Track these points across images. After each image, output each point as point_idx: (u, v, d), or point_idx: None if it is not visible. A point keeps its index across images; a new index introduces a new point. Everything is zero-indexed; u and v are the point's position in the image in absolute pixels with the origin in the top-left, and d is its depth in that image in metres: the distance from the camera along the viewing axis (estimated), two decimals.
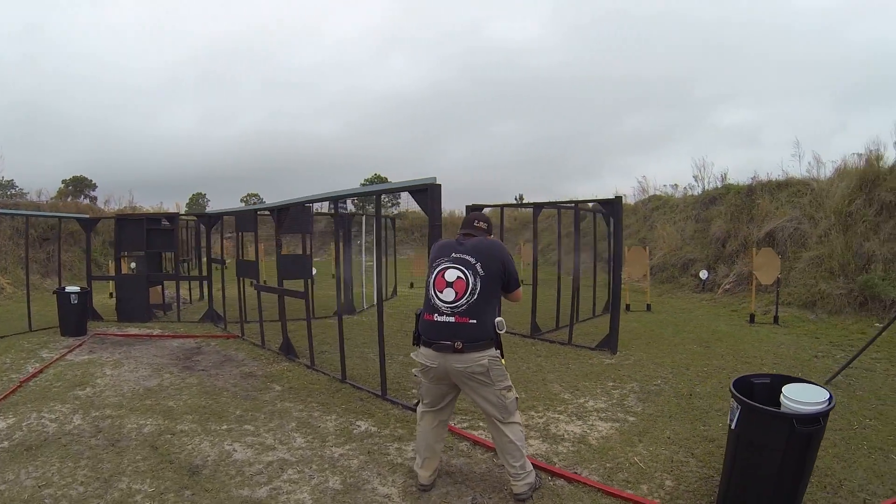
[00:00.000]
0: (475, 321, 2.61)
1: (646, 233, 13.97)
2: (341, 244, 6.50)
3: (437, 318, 2.67)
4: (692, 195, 14.46)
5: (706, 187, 14.25)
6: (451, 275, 2.68)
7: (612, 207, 6.34)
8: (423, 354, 2.73)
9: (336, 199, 5.16)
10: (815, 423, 2.36)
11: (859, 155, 9.43)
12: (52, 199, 17.37)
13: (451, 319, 2.63)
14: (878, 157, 8.90)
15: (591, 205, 7.85)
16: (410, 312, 8.79)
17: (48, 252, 13.18)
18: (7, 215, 12.32)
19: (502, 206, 8.26)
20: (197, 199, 32.14)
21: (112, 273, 10.65)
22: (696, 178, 14.49)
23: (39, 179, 28.13)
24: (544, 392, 4.62)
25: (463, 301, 2.63)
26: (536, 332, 6.87)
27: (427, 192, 3.89)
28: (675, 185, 15.83)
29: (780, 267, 7.72)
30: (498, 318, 2.70)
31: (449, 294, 2.65)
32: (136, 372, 5.29)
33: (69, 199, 19.27)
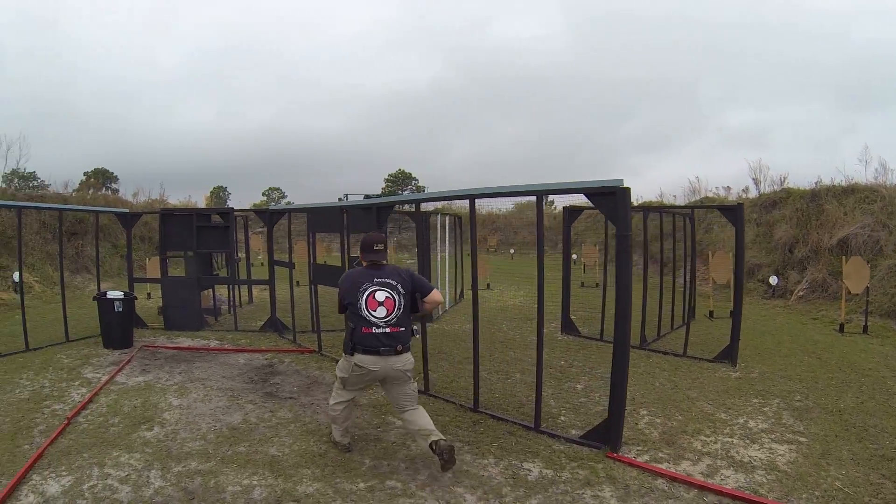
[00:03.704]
0: (403, 328, 3.30)
1: (701, 235, 13.20)
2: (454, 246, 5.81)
3: (375, 330, 3.23)
4: (748, 198, 13.92)
5: (763, 190, 13.68)
6: (380, 295, 3.27)
7: (734, 214, 5.78)
8: (364, 360, 3.23)
9: (473, 198, 4.25)
10: None
11: None
12: (76, 191, 16.63)
13: (387, 330, 3.24)
14: None
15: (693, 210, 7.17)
16: (491, 317, 8.21)
17: (76, 247, 12.34)
18: (37, 209, 11.48)
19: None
20: (218, 192, 31.85)
21: (150, 272, 9.94)
22: (755, 180, 13.97)
23: (58, 172, 27.64)
24: (698, 413, 4.21)
25: (393, 315, 3.27)
26: (644, 342, 6.33)
27: (615, 196, 3.20)
28: (728, 187, 15.22)
29: (869, 276, 7.47)
30: (414, 326, 3.44)
31: (381, 311, 3.25)
32: (209, 401, 4.41)
33: (91, 192, 18.40)
